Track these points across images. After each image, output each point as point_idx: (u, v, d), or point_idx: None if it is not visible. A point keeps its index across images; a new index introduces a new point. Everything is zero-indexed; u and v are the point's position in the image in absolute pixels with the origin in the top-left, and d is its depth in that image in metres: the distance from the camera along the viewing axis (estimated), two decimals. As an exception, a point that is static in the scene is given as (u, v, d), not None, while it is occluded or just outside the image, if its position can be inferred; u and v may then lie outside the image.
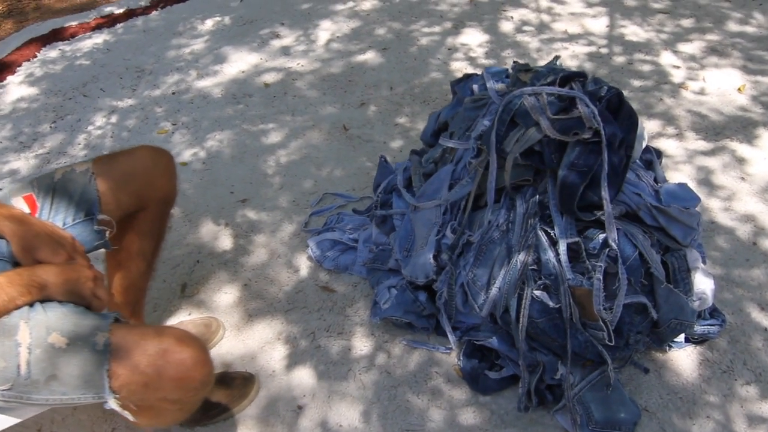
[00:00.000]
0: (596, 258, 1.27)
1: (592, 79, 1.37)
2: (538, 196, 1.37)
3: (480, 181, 1.42)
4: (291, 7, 3.54)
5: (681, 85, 2.56)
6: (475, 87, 1.55)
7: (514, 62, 1.53)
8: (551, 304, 1.28)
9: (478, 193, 1.47)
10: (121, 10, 3.74)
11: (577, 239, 1.31)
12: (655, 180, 1.47)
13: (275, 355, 1.63)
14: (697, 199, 1.39)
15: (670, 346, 1.48)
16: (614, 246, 1.26)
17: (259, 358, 1.62)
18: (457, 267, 1.44)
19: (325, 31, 3.24)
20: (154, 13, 3.68)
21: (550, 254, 1.31)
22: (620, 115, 1.33)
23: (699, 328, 1.43)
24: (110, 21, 3.63)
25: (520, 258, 1.32)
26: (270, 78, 2.87)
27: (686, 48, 2.82)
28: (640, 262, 1.29)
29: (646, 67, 2.70)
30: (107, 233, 1.31)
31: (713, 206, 1.95)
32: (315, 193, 2.15)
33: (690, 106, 2.43)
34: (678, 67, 2.68)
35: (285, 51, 3.09)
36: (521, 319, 1.30)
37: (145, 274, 1.52)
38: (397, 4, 3.45)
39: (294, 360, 1.61)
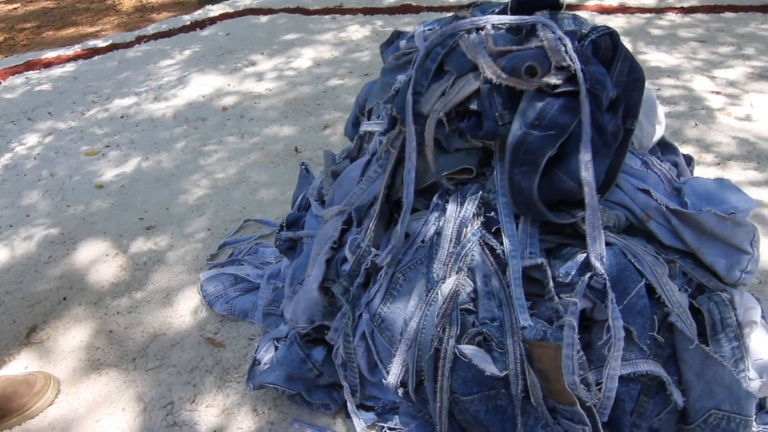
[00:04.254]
0: (570, 290, 0.73)
1: (570, 16, 0.88)
2: (481, 193, 0.85)
3: (396, 171, 0.91)
4: (276, 38, 3.24)
5: (721, 111, 2.03)
6: (403, 42, 1.07)
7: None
8: (490, 369, 0.73)
9: (398, 197, 0.96)
10: (105, 44, 3.54)
11: (539, 260, 0.77)
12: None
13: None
14: (750, 204, 0.83)
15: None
16: (600, 267, 0.71)
17: (82, 437, 1.10)
18: (357, 307, 0.91)
19: (306, 58, 2.90)
20: (136, 46, 3.46)
21: (494, 284, 0.77)
22: (614, 65, 0.83)
23: (762, 430, 0.84)
24: (89, 53, 3.41)
25: (443, 289, 0.79)
26: (230, 101, 2.50)
27: (726, 74, 2.31)
28: (649, 302, 0.74)
29: (676, 92, 2.19)
30: None
31: (774, 251, 1.38)
32: (239, 221, 1.68)
33: (733, 133, 1.89)
34: (717, 93, 2.17)
35: (257, 76, 2.74)
36: (438, 394, 0.74)
37: None
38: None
39: (129, 443, 1.08)
